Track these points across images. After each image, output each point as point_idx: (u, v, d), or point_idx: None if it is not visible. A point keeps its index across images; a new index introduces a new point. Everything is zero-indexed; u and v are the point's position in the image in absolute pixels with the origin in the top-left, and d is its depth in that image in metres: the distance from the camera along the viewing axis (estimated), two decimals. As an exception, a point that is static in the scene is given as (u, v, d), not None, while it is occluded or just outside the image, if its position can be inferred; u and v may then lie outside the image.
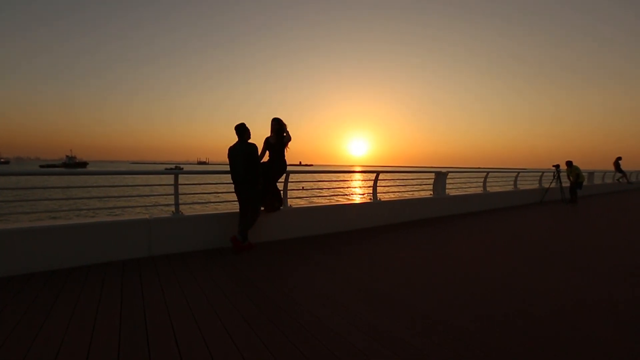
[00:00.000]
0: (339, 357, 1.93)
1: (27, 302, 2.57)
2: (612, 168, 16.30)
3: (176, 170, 4.32)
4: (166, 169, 3.99)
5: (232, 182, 4.27)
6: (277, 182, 4.67)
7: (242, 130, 4.16)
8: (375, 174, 6.16)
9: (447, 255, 4.22)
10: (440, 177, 7.50)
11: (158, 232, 3.87)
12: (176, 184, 4.12)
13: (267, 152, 4.53)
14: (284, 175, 4.80)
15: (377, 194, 6.22)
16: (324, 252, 4.20)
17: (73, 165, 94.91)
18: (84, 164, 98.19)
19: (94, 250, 3.52)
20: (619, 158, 16.07)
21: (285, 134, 4.53)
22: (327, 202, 5.92)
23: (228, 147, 4.25)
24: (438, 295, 2.88)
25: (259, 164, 4.21)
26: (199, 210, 4.90)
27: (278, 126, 4.51)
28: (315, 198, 5.96)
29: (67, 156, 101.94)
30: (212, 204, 5.05)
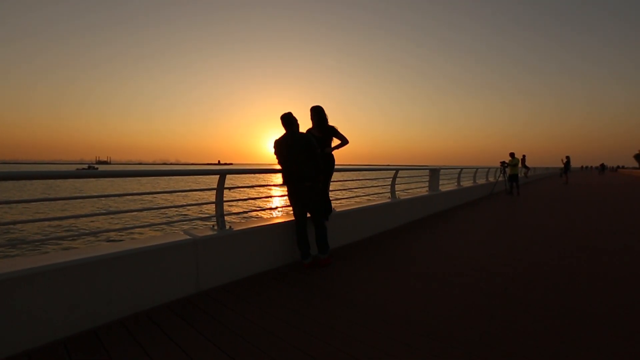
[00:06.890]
0: None
1: None
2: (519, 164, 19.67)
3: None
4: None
5: (283, 183, 3.45)
6: (328, 182, 3.94)
7: (291, 120, 3.39)
8: (394, 172, 5.90)
9: (496, 243, 4.54)
10: (434, 174, 7.65)
11: (207, 256, 2.77)
12: (220, 189, 3.03)
13: None
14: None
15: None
16: (385, 254, 3.94)
17: None
18: None
19: (126, 295, 2.28)
20: (524, 156, 19.46)
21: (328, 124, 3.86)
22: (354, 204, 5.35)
23: (274, 141, 3.42)
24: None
25: (319, 156, 3.44)
26: (240, 221, 3.76)
27: (318, 116, 3.80)
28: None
29: None
30: (253, 212, 3.93)
